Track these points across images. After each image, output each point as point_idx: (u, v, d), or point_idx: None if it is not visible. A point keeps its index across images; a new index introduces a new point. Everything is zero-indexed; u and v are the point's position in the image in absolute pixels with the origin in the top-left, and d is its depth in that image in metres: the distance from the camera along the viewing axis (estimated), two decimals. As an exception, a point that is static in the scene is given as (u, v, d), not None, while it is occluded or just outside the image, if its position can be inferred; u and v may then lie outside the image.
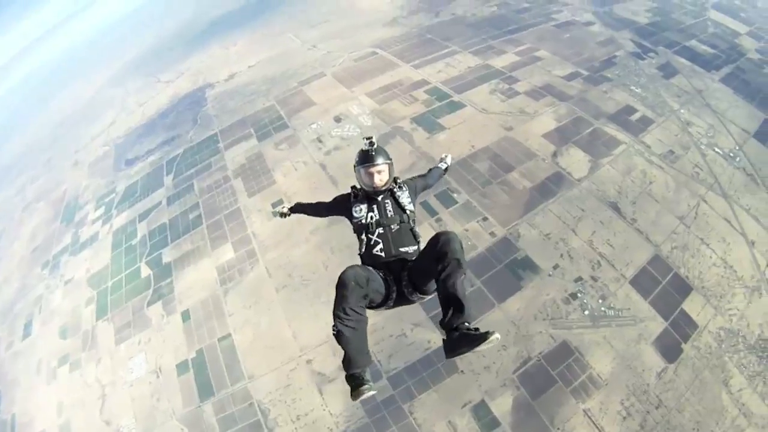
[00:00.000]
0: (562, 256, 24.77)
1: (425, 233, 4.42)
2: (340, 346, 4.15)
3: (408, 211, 5.29)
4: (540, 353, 21.45)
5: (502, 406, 20.28)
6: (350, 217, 5.38)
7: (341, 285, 4.20)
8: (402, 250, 5.02)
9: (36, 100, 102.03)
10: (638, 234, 25.58)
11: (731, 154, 30.41)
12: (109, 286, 31.40)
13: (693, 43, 43.28)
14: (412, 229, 5.20)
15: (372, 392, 4.06)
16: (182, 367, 25.00)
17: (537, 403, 20.20)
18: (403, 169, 28.28)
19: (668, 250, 24.89)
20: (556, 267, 24.32)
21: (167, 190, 37.65)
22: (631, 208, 26.80)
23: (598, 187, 27.94)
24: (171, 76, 65.97)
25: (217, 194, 34.20)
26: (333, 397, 21.67)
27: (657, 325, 22.05)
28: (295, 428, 21.23)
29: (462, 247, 4.32)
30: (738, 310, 22.80)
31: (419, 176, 6.00)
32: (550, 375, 20.83)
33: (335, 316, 4.13)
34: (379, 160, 5.22)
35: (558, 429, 19.59)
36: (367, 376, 4.17)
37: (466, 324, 4.08)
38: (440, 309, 4.21)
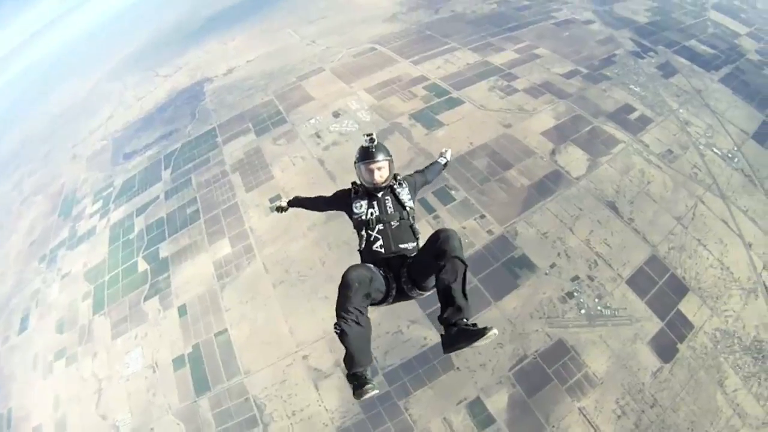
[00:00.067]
0: (559, 254, 24.80)
1: (423, 230, 4.48)
2: (342, 345, 4.13)
3: (408, 208, 5.29)
4: (536, 351, 21.50)
5: (497, 403, 20.33)
6: (350, 212, 5.38)
7: (345, 285, 4.20)
8: (401, 246, 5.03)
9: (34, 94, 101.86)
10: (635, 234, 25.61)
11: (729, 155, 30.44)
12: (106, 281, 31.36)
13: (693, 42, 43.28)
14: (411, 226, 5.21)
15: (375, 392, 4.04)
16: (178, 362, 24.99)
17: (532, 401, 20.26)
18: (402, 166, 28.20)
19: (665, 251, 24.93)
20: (553, 266, 24.35)
21: (165, 184, 37.59)
22: (629, 208, 26.83)
23: (596, 186, 27.95)
24: (169, 71, 65.87)
25: (215, 189, 34.16)
26: (329, 392, 21.69)
27: (653, 325, 22.11)
28: (291, 424, 21.25)
29: (461, 244, 4.33)
30: (734, 311, 22.86)
31: (418, 172, 6.02)
32: (546, 373, 20.88)
33: (339, 315, 4.12)
34: (380, 156, 5.22)
35: (553, 427, 19.65)
36: (369, 375, 4.16)
37: (465, 320, 4.12)
38: (437, 305, 4.24)
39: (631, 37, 43.89)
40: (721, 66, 39.78)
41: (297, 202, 6.25)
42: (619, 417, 19.65)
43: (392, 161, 5.38)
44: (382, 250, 5.00)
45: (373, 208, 5.25)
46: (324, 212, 6.36)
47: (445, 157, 6.51)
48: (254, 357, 23.83)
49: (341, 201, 5.57)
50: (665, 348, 21.43)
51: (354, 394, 4.05)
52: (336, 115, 37.51)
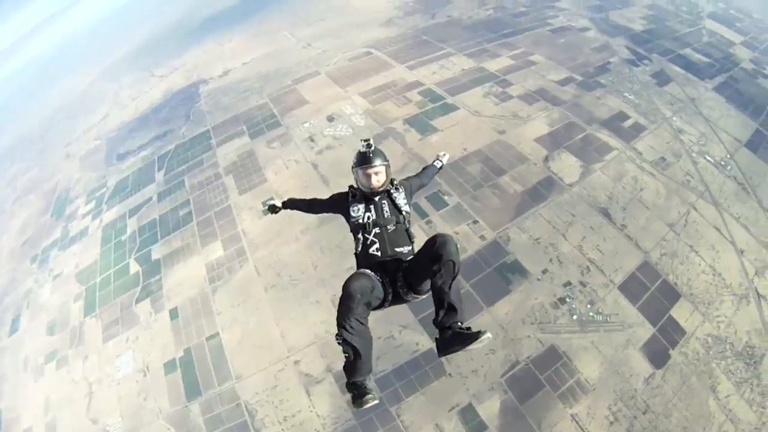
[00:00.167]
0: (551, 260, 24.83)
1: (416, 235, 4.44)
2: (343, 355, 4.18)
3: (404, 212, 5.33)
4: (528, 357, 21.50)
5: (489, 409, 20.32)
6: (347, 216, 5.41)
7: (348, 297, 4.19)
8: (397, 250, 5.07)
9: (29, 92, 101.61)
10: (628, 240, 25.67)
11: (722, 163, 30.59)
12: (98, 282, 31.26)
13: (687, 51, 43.57)
14: (407, 230, 5.27)
15: (374, 402, 4.09)
16: (170, 366, 24.91)
17: (524, 408, 20.25)
18: (395, 171, 27.78)
19: (657, 257, 25.00)
20: (545, 271, 24.38)
21: (158, 185, 37.52)
22: (622, 214, 26.90)
23: (588, 193, 28.03)
24: (165, 71, 65.76)
25: (208, 191, 34.10)
26: (320, 398, 21.64)
27: (645, 330, 22.17)
28: (282, 429, 21.19)
29: (457, 249, 4.40)
30: (726, 317, 22.94)
31: (414, 176, 6.09)
32: (538, 379, 20.88)
33: (341, 326, 4.13)
34: (377, 161, 5.27)
35: (545, 434, 19.68)
36: (370, 384, 4.21)
37: (459, 323, 4.21)
38: (430, 310, 4.28)
39: (626, 45, 44.12)
40: (716, 75, 40.06)
41: (291, 204, 6.25)
42: (611, 423, 19.67)
43: (389, 166, 5.44)
44: (379, 254, 5.04)
45: (370, 211, 5.28)
46: (317, 216, 6.40)
47: (441, 161, 6.59)
48: (246, 361, 23.76)
49: (339, 204, 5.58)
50: (657, 354, 21.48)
51: (354, 403, 4.10)
52: (330, 119, 37.48)
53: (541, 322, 22.53)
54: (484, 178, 29.41)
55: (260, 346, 24.05)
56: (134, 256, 31.78)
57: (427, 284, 4.64)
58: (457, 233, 26.22)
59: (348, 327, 4.11)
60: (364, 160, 5.29)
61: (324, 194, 5.95)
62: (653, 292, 23.56)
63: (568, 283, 23.79)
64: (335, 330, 4.17)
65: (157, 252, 31.22)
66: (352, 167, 5.41)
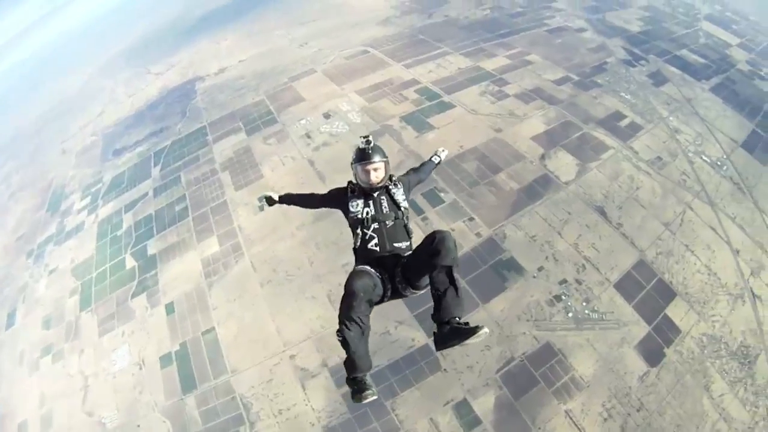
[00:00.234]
0: (547, 258, 24.89)
1: (413, 231, 4.45)
2: (344, 351, 4.26)
3: (402, 208, 5.39)
4: (523, 354, 21.55)
5: (484, 405, 20.36)
6: (346, 211, 5.46)
7: (350, 295, 4.27)
8: (396, 245, 5.13)
9: (25, 88, 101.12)
10: (624, 239, 25.76)
11: (718, 163, 30.71)
12: (94, 277, 31.21)
13: (684, 52, 43.77)
14: (405, 225, 5.33)
15: (374, 398, 4.21)
16: (165, 360, 24.89)
17: (519, 403, 20.29)
18: (392, 167, 28.10)
19: (653, 256, 25.09)
20: (541, 269, 24.44)
21: (154, 181, 37.48)
22: (617, 213, 26.98)
23: (585, 191, 28.10)
24: (161, 68, 65.57)
25: (204, 187, 34.06)
26: (315, 392, 21.65)
27: (640, 329, 22.23)
28: (277, 422, 21.20)
29: (456, 246, 4.45)
30: (721, 316, 23.04)
31: (412, 171, 6.14)
32: (533, 375, 20.93)
33: (342, 323, 4.21)
34: (376, 158, 5.32)
35: (539, 429, 19.69)
36: (369, 380, 4.32)
37: (457, 318, 4.28)
38: (426, 306, 4.36)
39: (622, 46, 44.26)
40: (712, 76, 40.23)
41: (288, 199, 6.30)
42: (605, 420, 19.73)
43: (388, 162, 5.49)
44: (377, 249, 5.09)
45: (369, 207, 5.33)
46: (313, 212, 6.44)
47: (439, 156, 6.64)
48: (241, 356, 23.76)
49: (337, 199, 5.63)
50: (652, 352, 21.54)
51: (353, 398, 4.22)
52: (327, 116, 37.49)
53: (537, 319, 22.58)
54: (480, 175, 29.46)
55: (256, 340, 24.05)
56: (130, 251, 31.71)
57: (426, 280, 4.69)
58: (453, 230, 26.19)
59: (349, 324, 4.20)
60: (363, 156, 5.34)
61: (320, 190, 6.02)
62: (649, 291, 23.63)
63: (564, 281, 23.85)
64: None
65: (152, 247, 31.16)
66: (352, 163, 5.46)
